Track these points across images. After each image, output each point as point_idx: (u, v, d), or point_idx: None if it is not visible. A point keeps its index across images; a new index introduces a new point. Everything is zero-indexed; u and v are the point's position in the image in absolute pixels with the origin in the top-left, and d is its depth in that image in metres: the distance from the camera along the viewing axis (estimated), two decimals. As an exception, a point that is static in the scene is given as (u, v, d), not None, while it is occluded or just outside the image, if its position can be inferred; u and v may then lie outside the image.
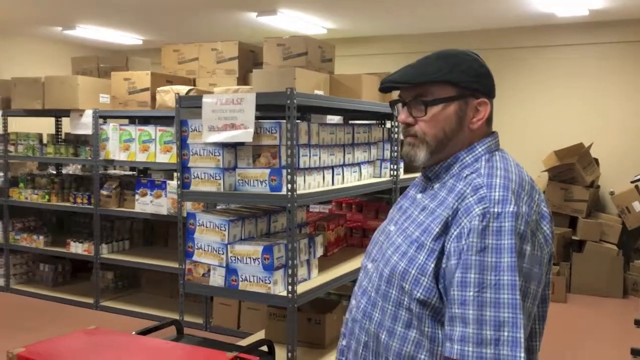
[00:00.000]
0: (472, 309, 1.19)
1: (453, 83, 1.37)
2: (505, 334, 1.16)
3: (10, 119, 6.21)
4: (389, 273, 1.36)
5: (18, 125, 6.52)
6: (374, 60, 7.63)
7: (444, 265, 1.27)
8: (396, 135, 4.22)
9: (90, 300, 5.64)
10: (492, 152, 1.39)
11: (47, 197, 5.88)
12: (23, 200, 6.00)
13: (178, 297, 5.21)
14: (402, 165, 4.28)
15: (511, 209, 1.22)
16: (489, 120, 1.43)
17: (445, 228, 1.29)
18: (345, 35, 7.78)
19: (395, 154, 4.16)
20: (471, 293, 1.20)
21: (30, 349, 2.29)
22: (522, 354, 1.16)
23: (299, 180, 3.07)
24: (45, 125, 6.73)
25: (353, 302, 1.50)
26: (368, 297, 1.42)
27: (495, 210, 1.23)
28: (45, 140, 6.27)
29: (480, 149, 1.39)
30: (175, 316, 5.00)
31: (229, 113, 2.99)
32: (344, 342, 1.51)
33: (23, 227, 6.18)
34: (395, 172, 4.12)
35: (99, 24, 7.57)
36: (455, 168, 1.39)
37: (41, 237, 5.93)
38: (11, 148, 6.09)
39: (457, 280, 1.22)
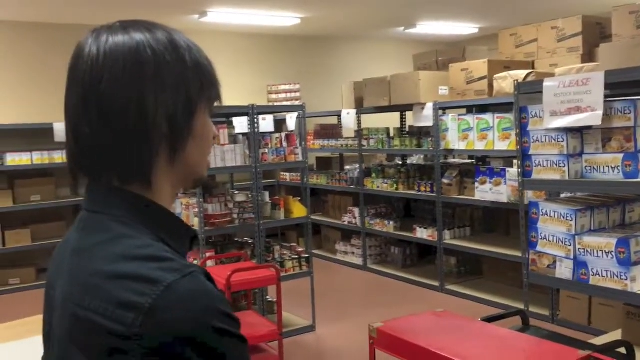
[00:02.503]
0: None
1: None
2: None
3: (362, 116, 6.96)
4: None
5: (369, 121, 7.26)
6: None
7: None
8: None
9: (436, 283, 5.95)
10: None
11: (395, 185, 6.41)
12: (375, 189, 6.67)
13: (521, 286, 5.12)
14: None
15: None
16: None
17: None
18: None
19: None
20: None
21: (387, 324, 2.54)
22: None
23: (661, 165, 2.68)
24: (391, 120, 7.35)
25: None
26: None
27: None
28: (392, 134, 6.85)
29: None
30: (518, 305, 4.92)
31: (573, 95, 2.79)
32: None
33: (376, 213, 6.87)
34: None
35: (437, 18, 7.89)
36: None
37: (391, 222, 6.50)
38: (364, 142, 6.82)
39: None
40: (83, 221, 0.88)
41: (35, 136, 6.69)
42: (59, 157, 6.56)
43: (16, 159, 6.44)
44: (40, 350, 0.95)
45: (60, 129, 6.40)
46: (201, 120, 0.89)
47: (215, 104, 0.94)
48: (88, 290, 0.79)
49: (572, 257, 2.83)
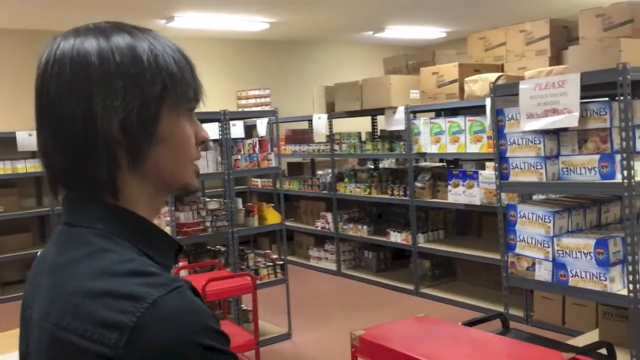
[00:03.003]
0: None
1: None
2: None
3: (334, 120, 6.93)
4: None
5: (340, 125, 7.24)
6: None
7: None
8: None
9: (410, 287, 5.95)
10: None
11: (367, 190, 6.40)
12: (347, 194, 6.64)
13: (495, 287, 5.14)
14: None
15: None
16: None
17: None
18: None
19: None
20: None
21: (369, 331, 2.50)
22: None
23: (637, 165, 2.72)
24: (363, 124, 7.34)
25: None
26: None
27: None
28: (364, 138, 6.83)
29: None
30: (493, 307, 4.95)
31: (549, 97, 2.81)
32: None
33: (349, 217, 6.84)
34: None
35: (406, 22, 7.93)
36: None
37: (364, 227, 6.48)
38: (336, 147, 6.79)
39: None
40: (61, 235, 0.83)
41: (-3, 145, 6.48)
42: (22, 167, 6.35)
43: (-23, 169, 6.22)
44: (14, 368, 0.89)
45: (23, 138, 6.21)
46: (169, 124, 0.82)
47: (195, 106, 0.87)
48: (67, 309, 0.74)
49: (550, 258, 2.85)
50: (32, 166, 6.34)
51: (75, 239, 0.80)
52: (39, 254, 0.90)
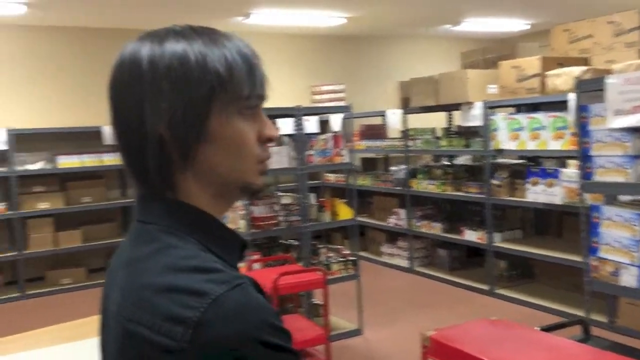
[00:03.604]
0: None
1: None
2: None
3: (408, 116, 6.85)
4: None
5: (415, 121, 7.14)
6: None
7: None
8: None
9: (485, 287, 5.80)
10: None
11: (442, 186, 6.28)
12: (421, 190, 6.55)
13: (576, 290, 4.92)
14: None
15: None
16: None
17: None
18: None
19: None
20: None
21: (441, 332, 2.45)
22: None
23: None
24: (438, 120, 7.21)
25: None
26: None
27: None
28: (439, 134, 6.71)
29: None
30: (574, 311, 4.74)
31: (639, 93, 2.65)
32: None
33: (422, 214, 6.74)
34: None
35: (485, 14, 7.70)
36: None
37: (438, 224, 6.37)
38: (410, 143, 6.70)
39: None
40: (134, 232, 0.88)
41: (85, 139, 6.83)
42: (108, 159, 6.68)
43: (67, 162, 6.59)
44: (97, 352, 0.94)
45: (108, 132, 6.53)
46: (219, 124, 0.83)
47: (255, 104, 0.87)
48: (137, 303, 0.78)
49: (637, 264, 2.69)
50: (117, 159, 6.64)
51: (144, 235, 0.84)
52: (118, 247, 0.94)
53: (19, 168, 6.39)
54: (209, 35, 0.85)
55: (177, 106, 0.81)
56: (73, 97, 7.14)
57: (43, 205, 6.50)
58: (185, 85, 0.81)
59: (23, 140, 6.51)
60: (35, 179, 6.57)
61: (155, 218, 0.84)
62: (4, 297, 6.28)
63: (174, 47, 0.82)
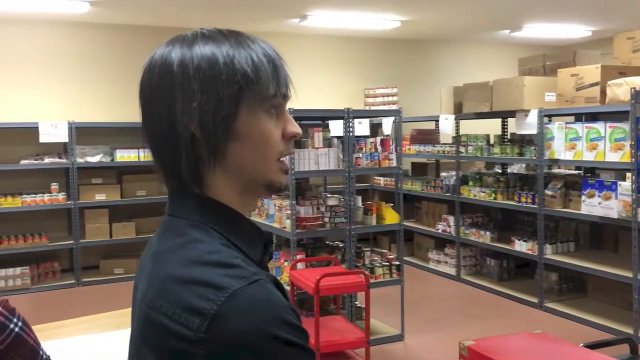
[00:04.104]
0: None
1: None
2: None
3: (461, 122, 6.75)
4: None
5: (468, 127, 7.02)
6: None
7: None
8: None
9: (534, 300, 5.64)
10: None
11: (493, 195, 6.16)
12: (472, 198, 6.44)
13: (629, 308, 4.73)
14: None
15: None
16: None
17: None
18: None
19: None
20: None
21: (479, 342, 2.41)
22: None
23: None
24: (492, 127, 7.07)
25: None
26: None
27: None
28: (492, 141, 6.58)
29: None
30: (626, 330, 4.56)
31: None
32: None
33: (472, 222, 6.63)
34: None
35: (546, 20, 7.50)
36: None
37: (488, 233, 6.25)
38: (462, 149, 6.60)
39: None
40: (164, 225, 0.92)
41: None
42: (163, 154, 6.86)
43: (125, 156, 6.81)
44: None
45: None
46: (247, 122, 0.86)
47: (280, 103, 0.89)
48: (160, 293, 0.81)
49: (692, 284, 2.56)
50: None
51: (173, 228, 0.88)
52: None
53: (80, 160, 6.66)
54: (236, 37, 0.88)
55: (208, 106, 0.84)
56: (133, 93, 7.31)
57: (100, 197, 6.75)
58: (214, 86, 0.84)
59: (84, 133, 6.78)
60: (93, 171, 6.83)
61: (184, 212, 0.88)
62: (60, 283, 6.55)
63: (203, 49, 0.86)
